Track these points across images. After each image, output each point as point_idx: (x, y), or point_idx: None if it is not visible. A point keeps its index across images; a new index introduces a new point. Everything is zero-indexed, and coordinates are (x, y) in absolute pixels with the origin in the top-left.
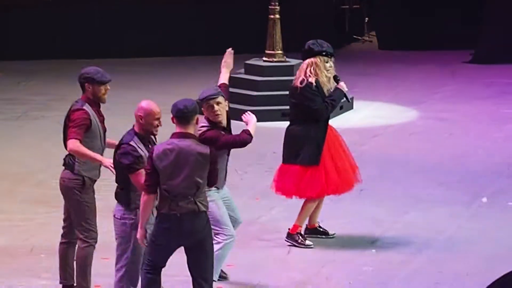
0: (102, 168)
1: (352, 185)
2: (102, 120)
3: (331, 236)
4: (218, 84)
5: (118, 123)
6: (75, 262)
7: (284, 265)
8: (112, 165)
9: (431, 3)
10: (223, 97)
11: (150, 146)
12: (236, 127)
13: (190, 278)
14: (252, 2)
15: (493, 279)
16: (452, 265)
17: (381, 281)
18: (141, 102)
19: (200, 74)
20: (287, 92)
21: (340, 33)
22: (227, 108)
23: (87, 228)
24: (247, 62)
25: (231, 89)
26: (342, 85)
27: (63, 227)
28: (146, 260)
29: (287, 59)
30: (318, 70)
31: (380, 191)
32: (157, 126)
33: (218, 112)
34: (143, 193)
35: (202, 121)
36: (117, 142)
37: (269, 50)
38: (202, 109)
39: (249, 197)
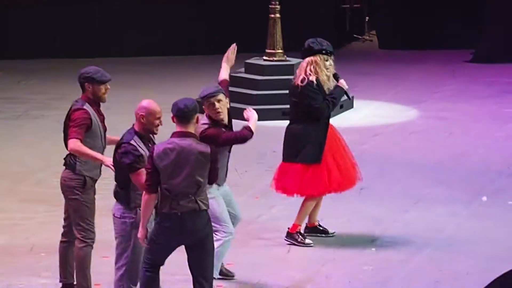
0: (103, 167)
1: (354, 182)
2: (102, 120)
3: (331, 235)
4: (219, 80)
5: (118, 122)
6: (74, 262)
7: (284, 264)
8: (113, 164)
9: (431, 3)
10: (224, 94)
11: (150, 145)
12: (237, 126)
13: (190, 277)
14: (252, 1)
15: (493, 278)
16: (452, 264)
17: (381, 280)
18: (141, 102)
19: (200, 74)
20: (287, 91)
21: (341, 32)
22: (228, 105)
23: (85, 228)
24: (247, 61)
25: (231, 88)
26: (342, 82)
27: (64, 226)
28: (145, 258)
29: (288, 58)
30: (318, 69)
31: (380, 190)
32: (158, 125)
33: (219, 110)
34: (144, 192)
35: (203, 119)
36: (118, 138)
37: (270, 49)
38: (203, 107)
39: (249, 196)
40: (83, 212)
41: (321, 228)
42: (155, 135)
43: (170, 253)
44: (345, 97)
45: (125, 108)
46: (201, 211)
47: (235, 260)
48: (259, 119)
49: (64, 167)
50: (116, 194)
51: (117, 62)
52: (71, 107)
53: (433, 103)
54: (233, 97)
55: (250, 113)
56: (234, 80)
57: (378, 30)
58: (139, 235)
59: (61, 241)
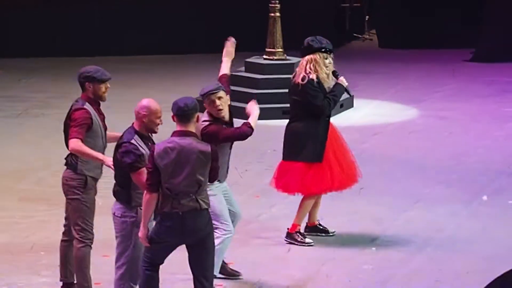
0: (104, 166)
1: (356, 180)
2: (102, 119)
3: (331, 234)
4: (220, 74)
5: (118, 121)
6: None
7: (284, 263)
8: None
9: (431, 3)
10: (224, 91)
11: (150, 144)
12: (238, 124)
13: (191, 276)
14: (252, 0)
15: (493, 278)
16: (452, 263)
17: (381, 280)
18: (142, 101)
19: (200, 72)
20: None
21: (340, 31)
22: (229, 102)
23: (83, 228)
24: (248, 60)
25: (231, 87)
26: (342, 79)
27: (65, 225)
28: (145, 257)
29: (288, 57)
30: (318, 67)
31: (380, 189)
32: (159, 124)
33: (220, 107)
34: (145, 192)
35: (204, 116)
36: (120, 134)
37: (270, 48)
38: (204, 104)
39: (249, 195)
40: (83, 212)
41: (321, 228)
42: (153, 134)
43: (171, 252)
44: (346, 96)
45: (125, 107)
46: (202, 210)
47: (235, 259)
48: (259, 118)
49: (65, 167)
50: (116, 193)
51: (117, 61)
52: (71, 107)
53: (433, 102)
54: (233, 96)
55: (252, 108)
56: (234, 79)
57: (378, 29)
58: (140, 234)
59: (62, 240)
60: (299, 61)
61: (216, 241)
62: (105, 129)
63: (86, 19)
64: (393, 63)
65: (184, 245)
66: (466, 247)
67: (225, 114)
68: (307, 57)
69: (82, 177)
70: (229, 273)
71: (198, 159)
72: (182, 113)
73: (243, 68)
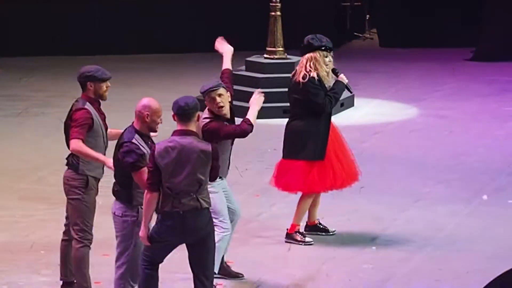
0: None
1: (357, 178)
2: (103, 118)
3: (331, 233)
4: (222, 69)
5: (118, 120)
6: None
7: (284, 262)
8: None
9: (431, 3)
10: (225, 88)
11: (149, 143)
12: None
13: (191, 275)
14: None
15: (493, 277)
16: (452, 262)
17: (381, 279)
18: (142, 100)
19: (200, 71)
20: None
21: (341, 30)
22: (230, 99)
23: (82, 228)
24: (248, 59)
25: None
26: (342, 77)
27: (65, 225)
28: (145, 256)
29: (288, 56)
30: (318, 65)
31: (380, 189)
32: (159, 123)
33: (221, 104)
34: (146, 191)
35: (205, 113)
36: (121, 131)
37: (270, 47)
38: (205, 102)
39: (249, 194)
40: (83, 212)
41: (321, 227)
42: (152, 133)
43: (171, 251)
44: (346, 95)
45: (125, 106)
46: (202, 209)
47: (235, 258)
48: (259, 117)
49: (66, 167)
50: (117, 193)
51: (117, 59)
52: (72, 107)
53: (433, 101)
54: (233, 95)
55: (253, 102)
56: (235, 78)
57: (379, 28)
58: (141, 234)
59: (62, 240)
60: (299, 60)
61: (216, 238)
62: (106, 128)
63: (86, 18)
64: (394, 62)
65: (183, 244)
66: (466, 246)
67: (226, 111)
68: (307, 55)
69: (84, 177)
70: (232, 276)
71: (199, 158)
72: (183, 112)
73: (243, 67)
